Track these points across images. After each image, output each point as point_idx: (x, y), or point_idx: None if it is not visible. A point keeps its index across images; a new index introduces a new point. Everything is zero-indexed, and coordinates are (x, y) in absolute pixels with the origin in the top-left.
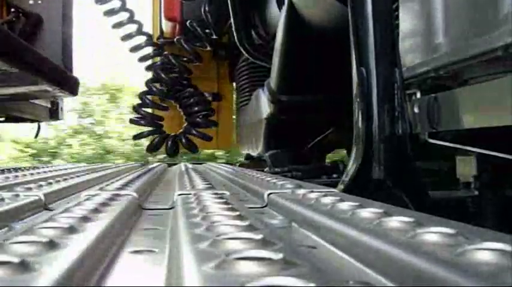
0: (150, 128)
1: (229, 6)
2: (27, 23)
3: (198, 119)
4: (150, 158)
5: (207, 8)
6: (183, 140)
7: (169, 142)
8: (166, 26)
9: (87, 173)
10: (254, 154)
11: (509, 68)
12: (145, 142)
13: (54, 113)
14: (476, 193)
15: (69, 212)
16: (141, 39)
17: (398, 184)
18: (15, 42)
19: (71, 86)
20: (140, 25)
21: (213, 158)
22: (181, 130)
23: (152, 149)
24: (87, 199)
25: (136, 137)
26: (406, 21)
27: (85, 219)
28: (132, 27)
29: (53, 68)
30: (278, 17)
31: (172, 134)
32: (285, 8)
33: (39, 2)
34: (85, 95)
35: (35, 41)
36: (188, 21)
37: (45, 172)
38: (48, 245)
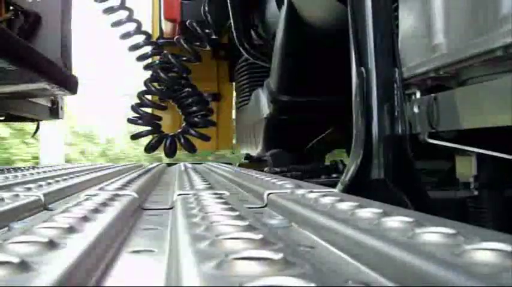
0: (148, 128)
1: (229, 6)
2: (26, 21)
3: (196, 119)
4: None
5: (206, 8)
6: (181, 140)
7: (168, 142)
8: (166, 26)
9: (87, 173)
10: (254, 153)
11: (510, 68)
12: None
13: (54, 112)
14: (476, 193)
15: (68, 212)
16: (140, 38)
17: (398, 184)
18: (14, 40)
19: (70, 84)
20: (139, 24)
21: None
22: (179, 130)
23: (150, 149)
24: (87, 199)
25: (134, 136)
26: (406, 21)
27: (85, 219)
28: (131, 26)
29: (52, 66)
30: (277, 17)
31: (171, 134)
32: (284, 8)
33: (38, 0)
34: None
35: (33, 39)
36: (188, 21)
37: (44, 172)
38: (48, 245)
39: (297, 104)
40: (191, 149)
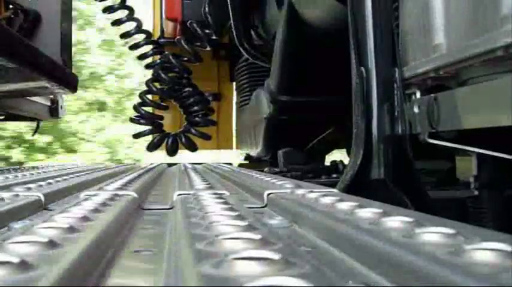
0: (150, 127)
1: (229, 6)
2: (25, 19)
3: (197, 118)
4: None
5: (207, 9)
6: (183, 139)
7: (169, 141)
8: (167, 26)
9: (87, 173)
10: (254, 154)
11: (510, 68)
12: None
13: (53, 111)
14: (476, 192)
15: (68, 212)
16: (140, 37)
17: (398, 184)
18: (13, 37)
19: (70, 82)
20: (140, 23)
21: None
22: (180, 129)
23: (152, 147)
24: (87, 199)
25: (136, 136)
26: (406, 20)
27: (84, 219)
28: (131, 25)
29: (52, 64)
30: (278, 17)
31: (172, 133)
32: (284, 8)
33: None
34: None
35: (33, 38)
36: (189, 22)
37: (44, 171)
38: (48, 245)
39: (297, 104)
40: (192, 148)
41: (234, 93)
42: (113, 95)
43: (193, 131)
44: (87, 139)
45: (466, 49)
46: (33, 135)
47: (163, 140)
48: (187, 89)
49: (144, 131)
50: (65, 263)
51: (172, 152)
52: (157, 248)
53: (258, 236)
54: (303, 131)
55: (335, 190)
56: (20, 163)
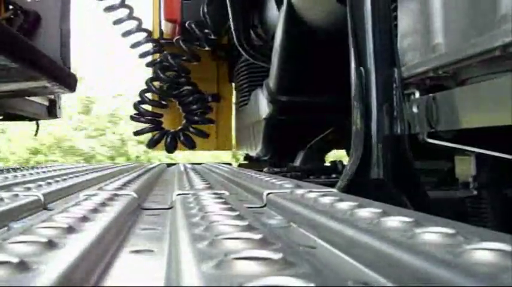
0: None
1: (228, 6)
2: (25, 19)
3: (195, 117)
4: None
5: (205, 9)
6: (181, 137)
7: (168, 138)
8: (166, 26)
9: (86, 173)
10: (253, 154)
11: (508, 68)
12: None
13: (51, 111)
14: (475, 192)
15: (68, 212)
16: (141, 35)
17: (398, 184)
18: (14, 37)
19: (70, 82)
20: (140, 22)
21: None
22: (179, 127)
23: (152, 144)
24: (86, 199)
25: (137, 133)
26: (405, 21)
27: (84, 219)
28: (132, 24)
29: (52, 64)
30: (277, 17)
31: (172, 130)
32: (283, 8)
33: None
34: None
35: (33, 38)
36: (187, 22)
37: (44, 172)
38: (47, 245)
39: (296, 104)
40: (191, 146)
41: (233, 93)
42: None
43: (191, 129)
44: None
45: (465, 49)
46: (35, 135)
47: (163, 137)
48: (185, 87)
49: (144, 128)
50: (64, 263)
51: (171, 149)
52: (156, 248)
53: (257, 236)
54: (303, 132)
55: (334, 190)
56: None
